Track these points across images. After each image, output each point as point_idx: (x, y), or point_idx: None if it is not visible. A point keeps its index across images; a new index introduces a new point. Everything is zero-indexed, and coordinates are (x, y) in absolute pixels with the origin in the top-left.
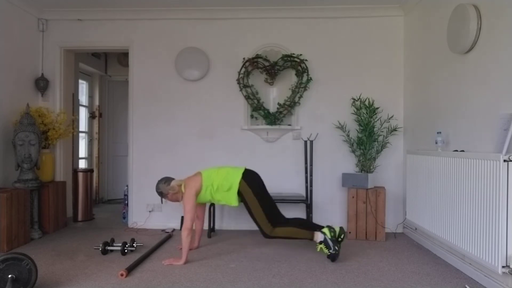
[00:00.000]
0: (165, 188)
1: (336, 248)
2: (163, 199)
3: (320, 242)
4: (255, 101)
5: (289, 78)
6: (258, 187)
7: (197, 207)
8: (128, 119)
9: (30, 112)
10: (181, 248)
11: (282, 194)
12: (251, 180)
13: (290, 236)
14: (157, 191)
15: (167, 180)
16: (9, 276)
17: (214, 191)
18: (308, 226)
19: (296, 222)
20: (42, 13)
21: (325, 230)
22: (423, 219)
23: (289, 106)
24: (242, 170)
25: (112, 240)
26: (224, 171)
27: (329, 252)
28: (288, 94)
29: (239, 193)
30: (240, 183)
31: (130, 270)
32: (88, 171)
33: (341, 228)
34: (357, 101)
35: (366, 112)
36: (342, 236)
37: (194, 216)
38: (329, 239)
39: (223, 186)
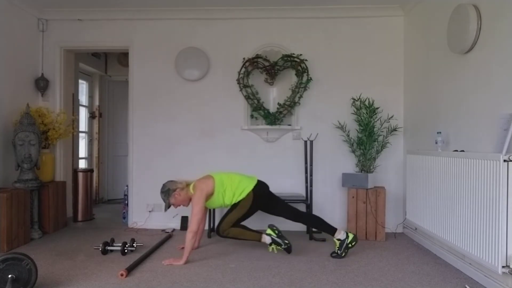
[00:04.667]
0: (173, 186)
1: (286, 241)
2: (167, 207)
3: (270, 244)
4: (255, 101)
5: (289, 78)
6: (259, 203)
7: None
8: (128, 119)
9: (30, 112)
10: (181, 248)
11: (282, 194)
12: (258, 195)
13: (238, 237)
14: (162, 191)
15: (171, 182)
16: (9, 276)
17: (225, 197)
18: (324, 226)
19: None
20: (42, 13)
21: (269, 231)
22: (423, 219)
23: (289, 106)
24: (254, 182)
25: (112, 240)
26: (237, 178)
27: (282, 248)
28: (288, 94)
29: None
30: (248, 194)
31: (130, 270)
32: (88, 171)
33: (354, 235)
34: (357, 101)
35: (366, 112)
36: (353, 244)
37: (201, 219)
38: (275, 237)
39: (235, 193)
